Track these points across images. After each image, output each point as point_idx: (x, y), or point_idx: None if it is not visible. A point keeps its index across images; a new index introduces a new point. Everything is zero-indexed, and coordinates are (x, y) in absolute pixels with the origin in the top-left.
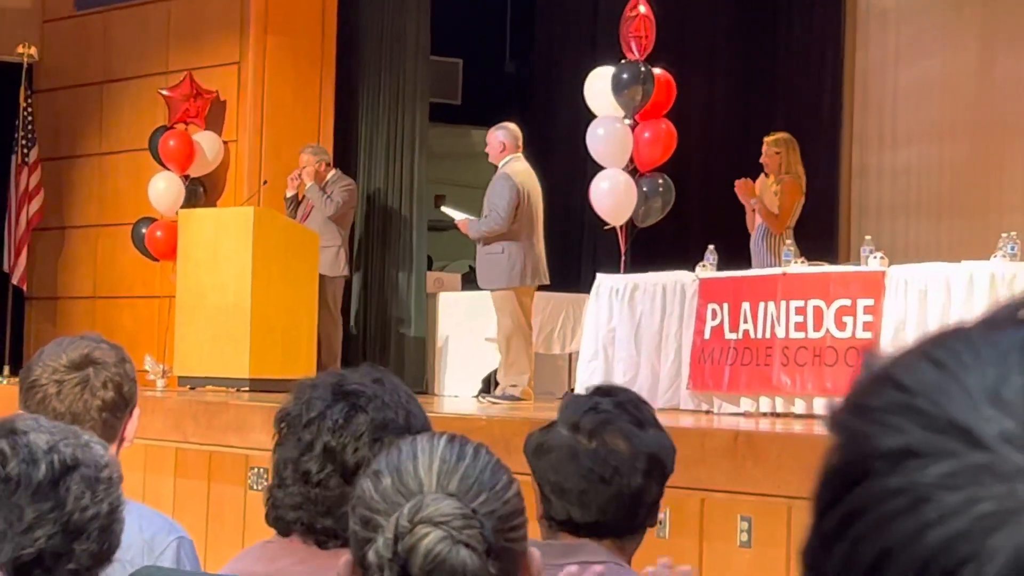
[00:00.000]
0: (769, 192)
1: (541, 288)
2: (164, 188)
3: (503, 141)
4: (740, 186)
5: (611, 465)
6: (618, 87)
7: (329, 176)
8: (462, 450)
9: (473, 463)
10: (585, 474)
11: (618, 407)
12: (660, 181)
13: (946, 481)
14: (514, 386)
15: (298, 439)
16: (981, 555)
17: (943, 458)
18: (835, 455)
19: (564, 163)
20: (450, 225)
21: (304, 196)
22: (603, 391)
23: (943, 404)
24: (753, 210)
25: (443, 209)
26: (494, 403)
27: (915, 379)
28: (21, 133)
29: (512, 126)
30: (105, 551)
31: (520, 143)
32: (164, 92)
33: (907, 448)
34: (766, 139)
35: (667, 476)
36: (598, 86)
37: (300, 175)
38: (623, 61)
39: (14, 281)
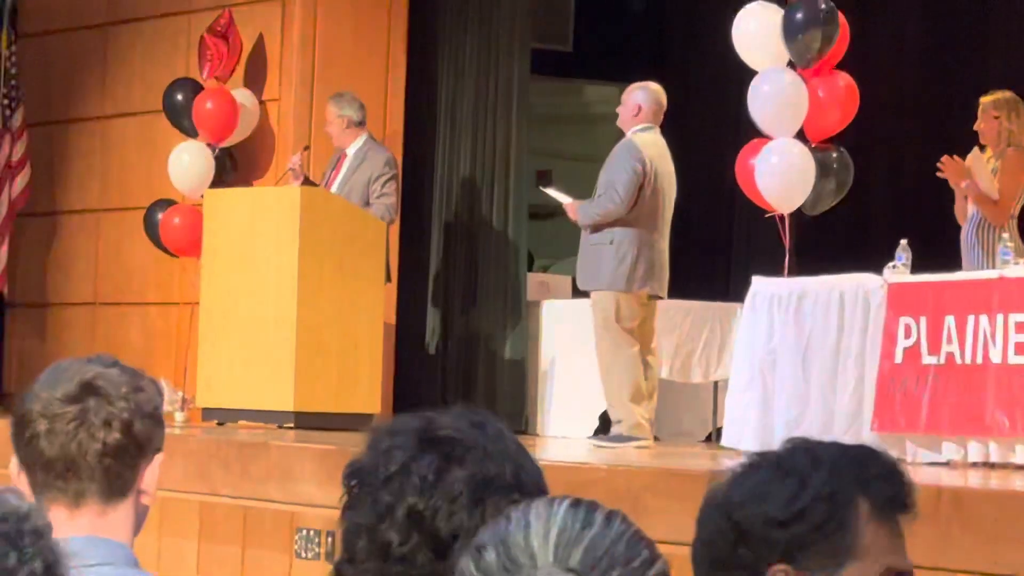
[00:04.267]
0: (985, 170)
1: (674, 297)
2: (190, 162)
3: (639, 104)
4: (948, 165)
5: None
6: (791, 30)
7: (359, 142)
8: (588, 516)
9: (603, 532)
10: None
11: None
12: (835, 155)
13: None
14: (619, 422)
15: (374, 501)
16: None
17: None
18: None
19: (707, 130)
20: (557, 210)
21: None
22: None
23: None
24: (964, 196)
25: (546, 191)
26: (600, 447)
27: None
28: (3, 91)
29: (657, 88)
30: None
31: (661, 113)
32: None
33: None
34: (983, 100)
35: None
36: (751, 28)
37: (298, 166)
38: None
39: None
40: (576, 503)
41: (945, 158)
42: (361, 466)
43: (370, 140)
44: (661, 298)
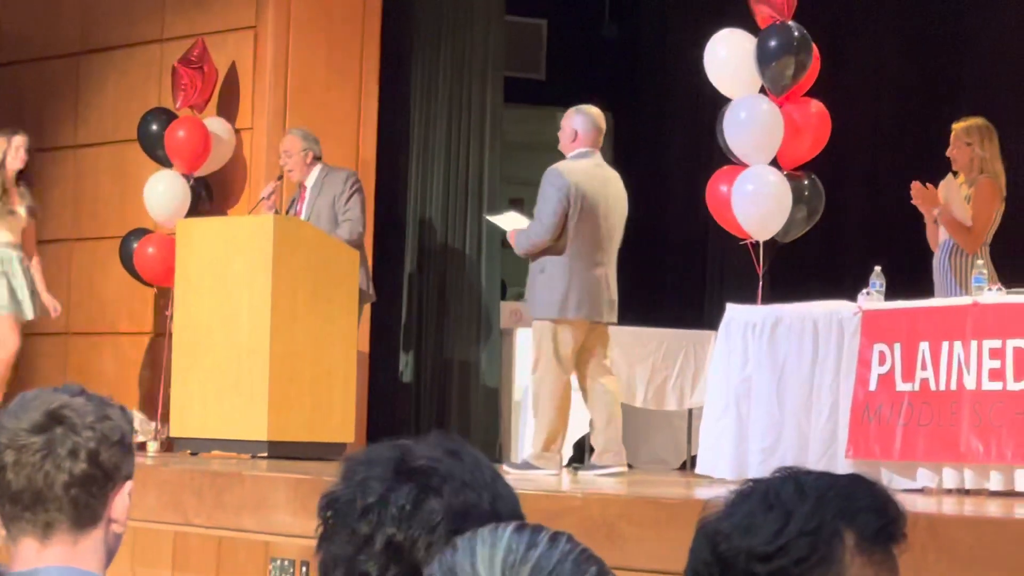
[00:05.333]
0: (959, 197)
1: (648, 324)
2: (165, 191)
3: (576, 129)
4: (919, 193)
5: None
6: (765, 57)
7: (315, 173)
8: (533, 538)
9: (549, 552)
10: None
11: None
12: (807, 183)
13: None
14: (531, 450)
15: (352, 532)
16: None
17: None
18: None
19: (679, 156)
20: None
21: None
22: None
23: None
24: (935, 222)
25: (490, 218)
26: (507, 472)
27: None
28: None
29: (594, 112)
30: None
31: (600, 136)
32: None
33: None
34: (955, 126)
35: None
36: (723, 55)
37: (272, 194)
38: (775, 23)
39: None
40: (521, 527)
41: (916, 184)
42: (337, 497)
43: (324, 167)
44: (611, 323)
